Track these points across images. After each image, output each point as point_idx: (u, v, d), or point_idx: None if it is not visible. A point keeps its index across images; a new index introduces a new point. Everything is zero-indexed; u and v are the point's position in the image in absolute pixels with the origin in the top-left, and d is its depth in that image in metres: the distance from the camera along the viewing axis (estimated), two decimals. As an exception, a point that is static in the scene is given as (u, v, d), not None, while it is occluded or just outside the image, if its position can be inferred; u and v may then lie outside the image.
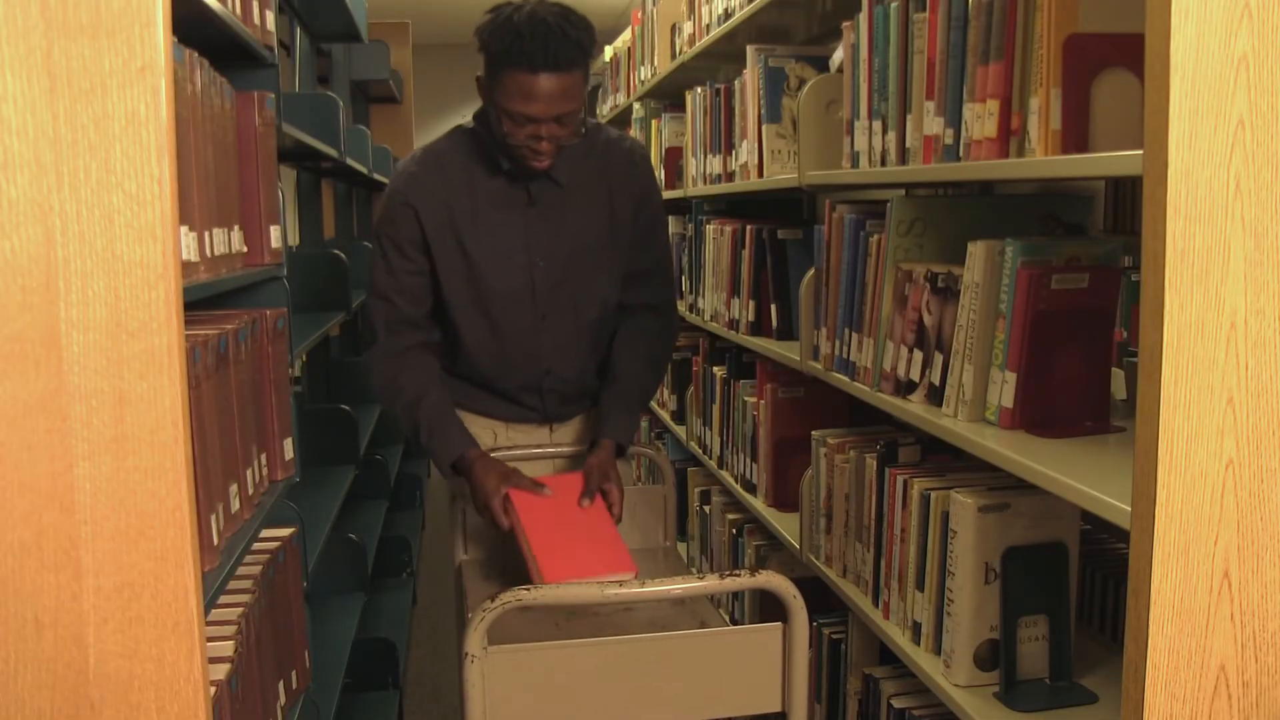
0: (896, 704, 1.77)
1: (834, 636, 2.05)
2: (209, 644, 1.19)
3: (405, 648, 3.42)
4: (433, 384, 2.05)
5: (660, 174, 3.53)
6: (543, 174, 2.01)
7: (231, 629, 1.41)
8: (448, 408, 2.05)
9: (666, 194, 3.39)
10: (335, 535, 2.79)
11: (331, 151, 2.72)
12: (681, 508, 3.06)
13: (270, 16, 1.86)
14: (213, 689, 1.16)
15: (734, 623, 2.61)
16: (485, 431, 2.18)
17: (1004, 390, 1.42)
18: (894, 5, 1.67)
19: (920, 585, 1.62)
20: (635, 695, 1.48)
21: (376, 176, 4.32)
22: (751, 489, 2.43)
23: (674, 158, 3.41)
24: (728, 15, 2.64)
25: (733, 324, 2.58)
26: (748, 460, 2.46)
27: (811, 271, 2.03)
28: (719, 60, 3.02)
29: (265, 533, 1.73)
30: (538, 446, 2.17)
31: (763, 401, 2.31)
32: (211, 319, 1.55)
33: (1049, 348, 1.40)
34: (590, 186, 2.07)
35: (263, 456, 1.67)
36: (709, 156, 2.89)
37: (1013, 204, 1.77)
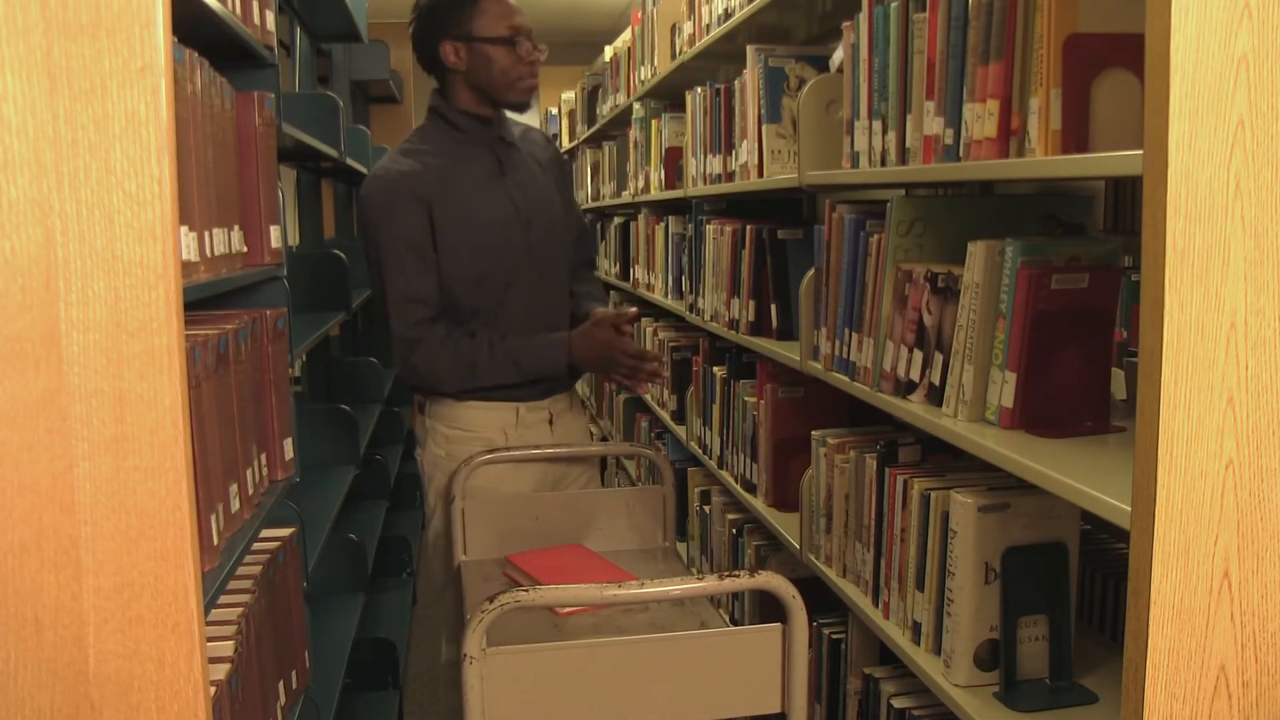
0: (896, 704, 1.77)
1: (834, 636, 2.05)
2: (209, 644, 1.19)
3: (405, 648, 3.41)
4: (483, 333, 2.17)
5: (660, 174, 3.54)
6: (506, 140, 2.21)
7: (231, 629, 1.41)
8: (510, 337, 2.17)
9: (667, 194, 3.39)
10: (335, 535, 2.79)
11: (331, 151, 2.72)
12: (681, 508, 3.06)
13: (270, 16, 1.86)
14: (213, 689, 1.16)
15: (734, 623, 2.61)
16: (497, 431, 2.20)
17: (1004, 390, 1.42)
18: (894, 5, 1.67)
19: (920, 585, 1.62)
20: (635, 696, 1.48)
21: (376, 176, 4.30)
22: (751, 489, 2.43)
23: (674, 158, 3.41)
24: (728, 15, 2.64)
25: (733, 324, 2.58)
26: (748, 460, 2.46)
27: (811, 271, 2.03)
28: (719, 60, 3.02)
29: (265, 533, 1.73)
30: (536, 447, 2.19)
31: (763, 401, 2.30)
32: (211, 319, 1.55)
33: (1049, 348, 1.40)
34: (530, 156, 2.29)
35: (263, 456, 1.67)
36: (709, 156, 2.89)
37: (1013, 204, 1.77)
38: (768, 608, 2.38)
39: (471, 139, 2.17)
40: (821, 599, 2.02)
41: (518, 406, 2.22)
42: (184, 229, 1.27)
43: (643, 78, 3.90)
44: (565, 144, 6.13)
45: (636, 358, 2.13)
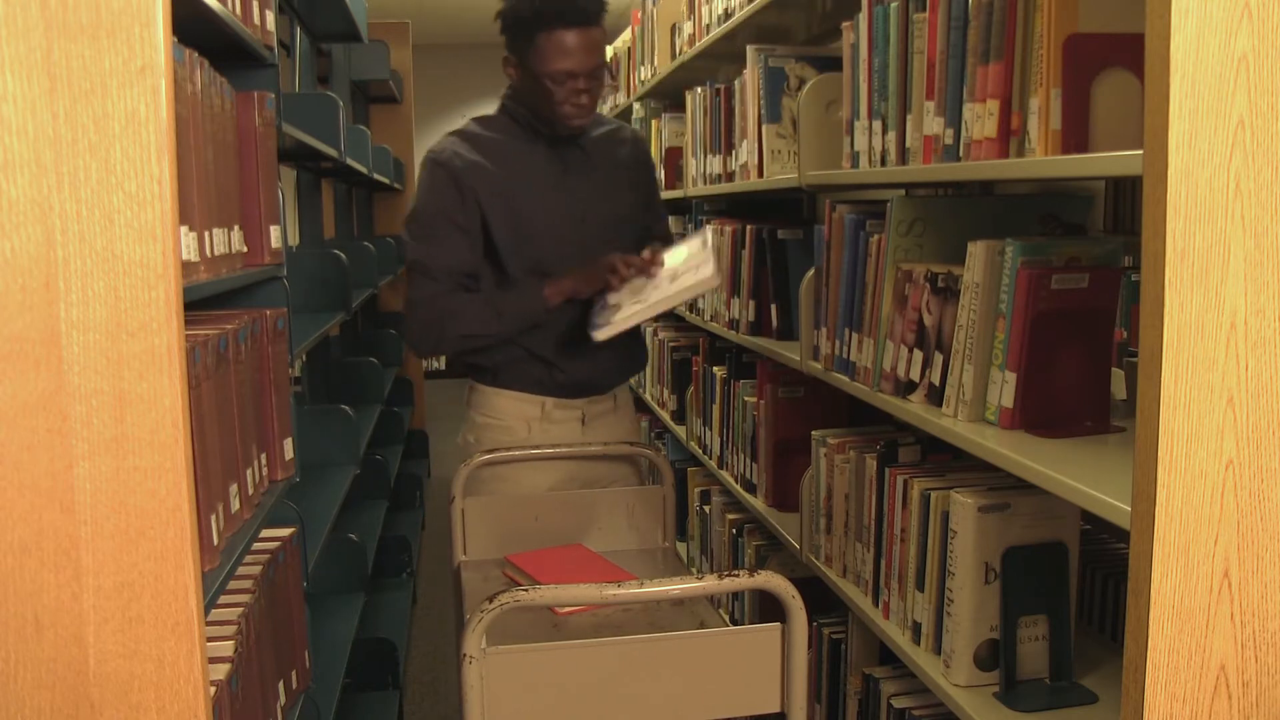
0: (896, 704, 1.77)
1: (834, 636, 2.05)
2: (209, 644, 1.19)
3: (405, 648, 3.42)
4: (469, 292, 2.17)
5: (660, 174, 3.54)
6: (575, 141, 2.20)
7: (231, 629, 1.41)
8: (489, 290, 2.17)
9: (667, 194, 3.40)
10: (335, 535, 2.79)
11: (331, 151, 2.72)
12: (681, 508, 3.06)
13: (270, 16, 1.86)
14: (213, 689, 1.16)
15: (734, 623, 2.61)
16: (521, 423, 2.24)
17: (1004, 390, 1.42)
18: (894, 5, 1.67)
19: (920, 585, 1.62)
20: (634, 696, 1.47)
21: (376, 176, 4.32)
22: (751, 489, 2.43)
23: (674, 158, 3.41)
24: (728, 15, 2.64)
25: (733, 324, 2.58)
26: (748, 460, 2.46)
27: (811, 271, 2.03)
28: (719, 60, 3.02)
29: (265, 533, 1.73)
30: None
31: (763, 401, 2.30)
32: (211, 319, 1.55)
33: (1049, 348, 1.40)
34: (608, 158, 2.27)
35: (263, 456, 1.67)
36: (709, 156, 2.89)
37: (1013, 204, 1.77)
38: (768, 608, 2.38)
39: (534, 138, 2.19)
40: (821, 599, 2.02)
41: (544, 401, 2.23)
42: (184, 229, 1.27)
43: (643, 78, 3.90)
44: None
45: (629, 261, 2.10)
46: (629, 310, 2.05)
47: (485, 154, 2.16)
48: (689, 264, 2.08)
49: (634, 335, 2.32)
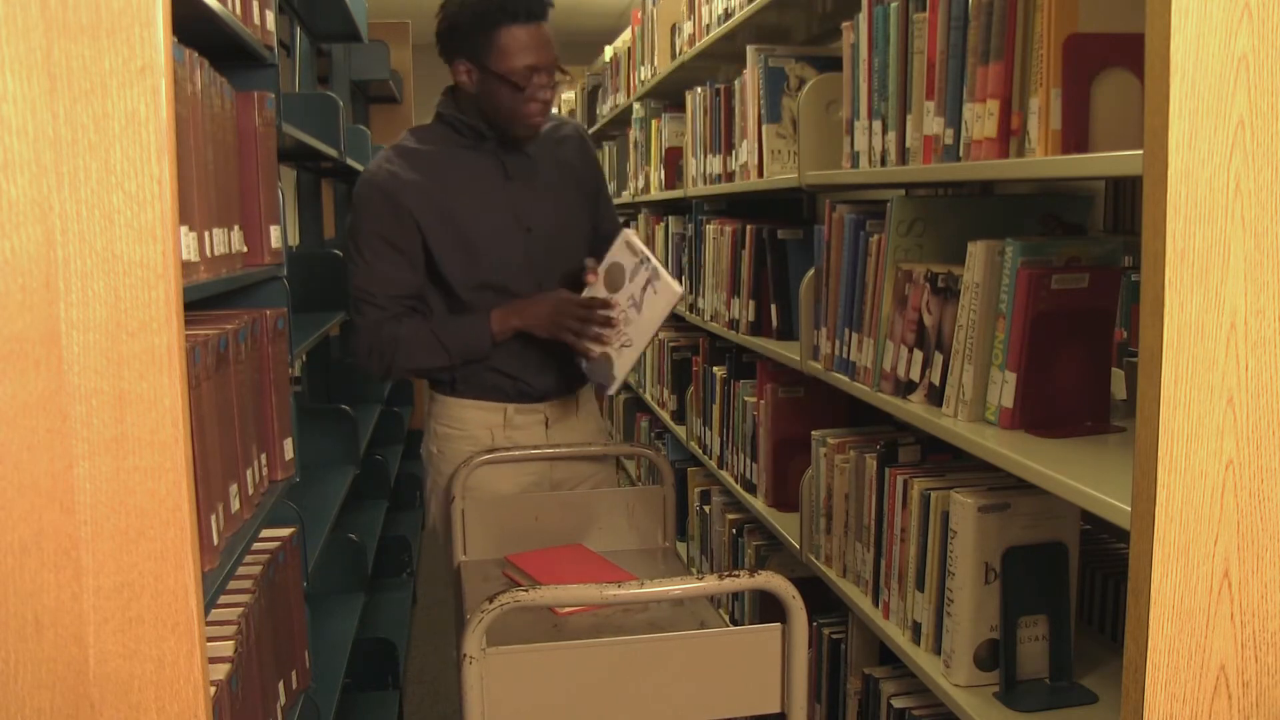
0: (896, 704, 1.77)
1: (834, 636, 2.05)
2: (209, 644, 1.19)
3: (405, 648, 3.42)
4: (415, 319, 2.13)
5: (660, 174, 3.54)
6: (518, 145, 2.15)
7: (231, 629, 1.41)
8: (435, 319, 2.14)
9: (667, 194, 3.40)
10: (335, 535, 2.79)
11: (331, 151, 2.72)
12: (681, 508, 3.06)
13: (270, 16, 1.86)
14: (213, 689, 1.16)
15: (734, 623, 2.61)
16: (484, 431, 2.19)
17: (1004, 390, 1.42)
18: (894, 5, 1.67)
19: (920, 585, 1.62)
20: (634, 696, 1.48)
21: (376, 176, 4.30)
22: (751, 489, 2.43)
23: (674, 158, 3.41)
24: (728, 15, 2.64)
25: (733, 324, 2.58)
26: (748, 460, 2.46)
27: (811, 271, 2.03)
28: (719, 60, 3.02)
29: (265, 533, 1.74)
30: (535, 447, 2.19)
31: (763, 401, 2.30)
32: (211, 319, 1.55)
33: (1049, 348, 1.40)
34: (550, 158, 2.22)
35: (263, 456, 1.67)
36: (709, 156, 2.89)
37: (1013, 204, 1.77)
38: (768, 608, 2.38)
39: (476, 145, 2.14)
40: (821, 599, 2.02)
41: (506, 407, 2.21)
42: (184, 229, 1.27)
43: (643, 78, 3.90)
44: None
45: (584, 306, 2.07)
46: (625, 357, 2.08)
47: (421, 169, 2.10)
48: (634, 276, 2.06)
49: None
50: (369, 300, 2.09)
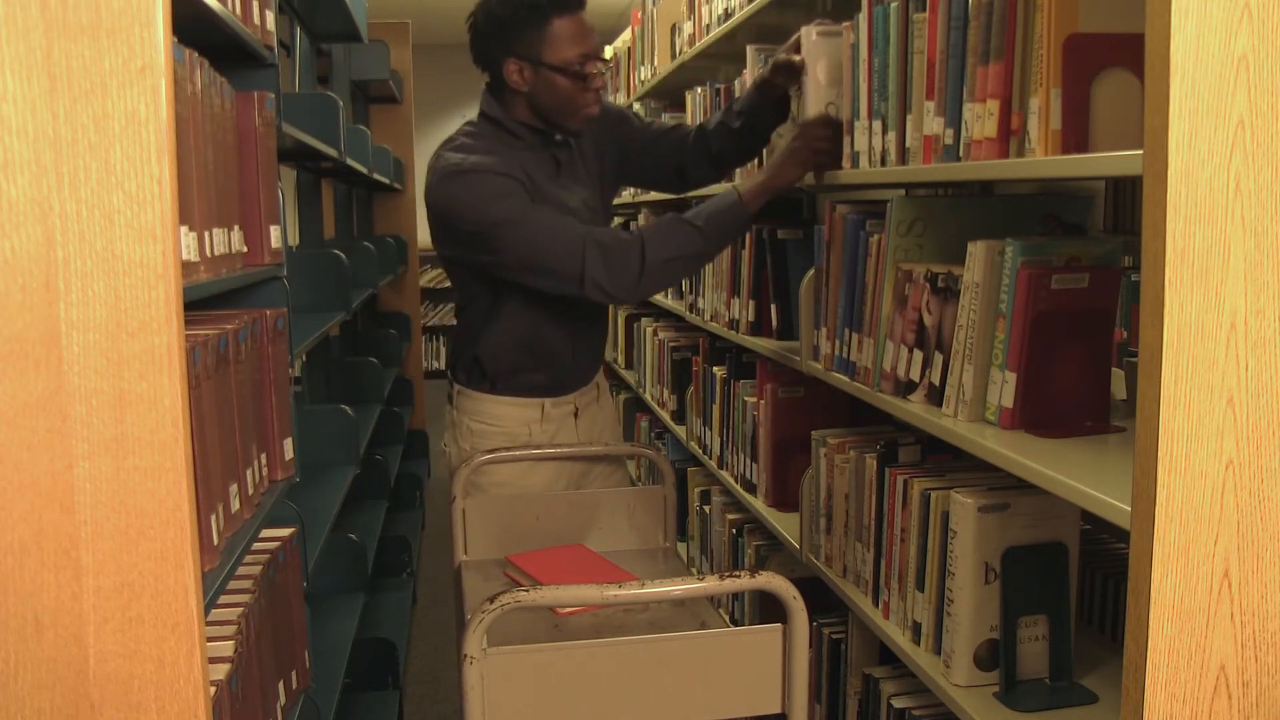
0: (896, 704, 1.77)
1: (834, 636, 2.05)
2: (209, 644, 1.19)
3: (405, 648, 3.42)
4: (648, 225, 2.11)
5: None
6: (576, 137, 2.17)
7: (231, 629, 1.41)
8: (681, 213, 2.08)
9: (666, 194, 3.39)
10: (335, 535, 2.79)
11: (331, 151, 2.72)
12: (681, 508, 3.06)
13: (270, 16, 1.86)
14: (213, 689, 1.16)
15: (734, 623, 2.61)
16: (521, 427, 2.23)
17: (1004, 390, 1.42)
18: (894, 5, 1.67)
19: (920, 585, 1.62)
20: (635, 697, 1.48)
21: (376, 176, 4.31)
22: (751, 489, 2.43)
23: (674, 158, 3.40)
24: (728, 15, 2.64)
25: (733, 324, 2.58)
26: (748, 460, 2.46)
27: (811, 271, 2.03)
28: (719, 60, 3.02)
29: (265, 533, 1.73)
30: (537, 446, 2.19)
31: (763, 401, 2.30)
32: (211, 319, 1.55)
33: (1049, 348, 1.40)
34: (588, 142, 2.25)
35: (263, 456, 1.67)
36: (709, 156, 2.89)
37: (1013, 204, 1.77)
38: (768, 608, 2.38)
39: (528, 145, 2.13)
40: (821, 599, 2.02)
41: (544, 402, 2.23)
42: (184, 229, 1.27)
43: (643, 78, 3.90)
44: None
45: (822, 125, 1.94)
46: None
47: (503, 158, 2.08)
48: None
49: (601, 318, 2.33)
50: (573, 236, 1.97)
